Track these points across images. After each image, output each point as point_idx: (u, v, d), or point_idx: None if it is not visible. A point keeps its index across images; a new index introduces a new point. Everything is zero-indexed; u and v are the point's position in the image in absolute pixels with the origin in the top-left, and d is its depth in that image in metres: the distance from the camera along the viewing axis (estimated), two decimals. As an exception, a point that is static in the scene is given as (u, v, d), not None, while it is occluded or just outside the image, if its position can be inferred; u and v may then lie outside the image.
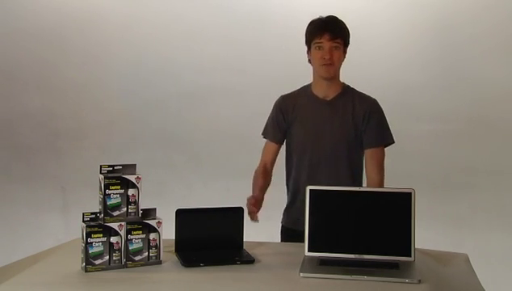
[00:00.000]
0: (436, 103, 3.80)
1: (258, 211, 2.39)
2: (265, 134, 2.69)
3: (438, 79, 3.80)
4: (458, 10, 3.74)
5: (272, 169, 2.67)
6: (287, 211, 2.69)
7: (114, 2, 4.13)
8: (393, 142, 2.60)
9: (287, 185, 2.68)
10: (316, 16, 2.54)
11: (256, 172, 2.64)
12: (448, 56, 3.78)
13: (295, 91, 2.65)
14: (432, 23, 3.78)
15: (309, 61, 2.57)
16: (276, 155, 2.67)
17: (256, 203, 2.39)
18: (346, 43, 2.52)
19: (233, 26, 3.97)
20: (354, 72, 3.57)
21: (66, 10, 4.16)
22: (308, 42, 2.53)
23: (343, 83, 2.59)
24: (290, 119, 2.60)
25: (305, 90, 2.61)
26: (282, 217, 2.72)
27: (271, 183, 2.66)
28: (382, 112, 2.59)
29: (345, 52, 2.53)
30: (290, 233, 2.61)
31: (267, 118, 2.69)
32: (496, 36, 3.72)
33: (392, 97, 3.75)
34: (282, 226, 2.71)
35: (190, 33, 4.04)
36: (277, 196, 2.66)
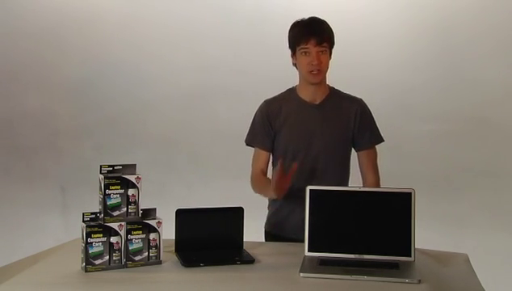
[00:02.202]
0: (436, 103, 3.80)
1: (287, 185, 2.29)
2: (251, 142, 2.59)
3: (438, 79, 3.80)
4: (458, 11, 3.74)
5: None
6: (272, 217, 2.61)
7: (114, 2, 4.13)
8: (383, 141, 2.59)
9: None
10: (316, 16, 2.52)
11: (255, 178, 2.56)
12: (448, 57, 3.78)
13: (279, 95, 2.58)
14: (432, 23, 3.78)
15: (294, 64, 2.50)
16: (268, 164, 2.58)
17: (282, 175, 2.27)
18: (331, 45, 2.46)
19: (233, 26, 3.96)
20: (355, 72, 3.60)
21: (66, 10, 4.16)
22: (293, 46, 2.46)
23: (329, 85, 2.56)
24: (277, 125, 2.52)
25: (291, 94, 2.55)
26: (265, 222, 2.64)
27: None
28: (370, 112, 2.57)
29: (331, 53, 2.47)
30: (275, 239, 2.55)
31: (251, 124, 2.60)
32: (495, 37, 3.72)
33: (392, 97, 3.77)
34: (265, 232, 2.64)
35: (190, 33, 4.04)
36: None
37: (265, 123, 2.55)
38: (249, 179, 2.60)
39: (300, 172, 2.46)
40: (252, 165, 2.60)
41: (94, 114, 4.20)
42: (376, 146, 2.59)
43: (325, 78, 2.51)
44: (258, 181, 2.55)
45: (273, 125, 2.54)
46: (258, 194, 2.57)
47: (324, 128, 2.50)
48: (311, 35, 2.40)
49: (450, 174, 3.80)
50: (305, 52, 2.41)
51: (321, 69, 2.43)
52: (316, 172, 2.49)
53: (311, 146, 2.49)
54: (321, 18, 2.49)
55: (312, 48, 2.40)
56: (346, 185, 2.54)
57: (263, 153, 2.58)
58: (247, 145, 2.62)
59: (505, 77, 3.72)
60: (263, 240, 2.60)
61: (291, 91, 2.56)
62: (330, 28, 2.47)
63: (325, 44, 2.41)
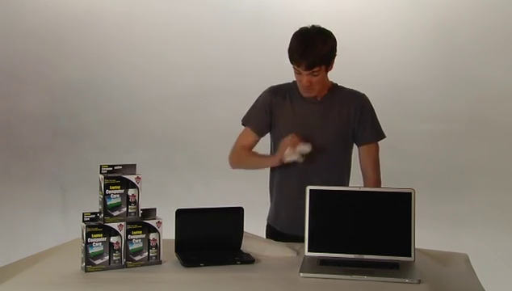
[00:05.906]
0: (436, 103, 3.80)
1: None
2: (246, 122, 2.58)
3: (439, 79, 3.80)
4: (458, 11, 3.74)
5: None
6: (271, 212, 2.65)
7: (114, 2, 4.13)
8: (385, 137, 2.58)
9: (271, 186, 2.62)
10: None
11: (239, 150, 2.55)
12: (448, 56, 3.78)
13: (285, 85, 2.56)
14: (433, 23, 3.78)
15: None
16: (253, 146, 2.57)
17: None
18: (327, 64, 2.40)
19: (233, 26, 3.96)
20: (355, 71, 3.59)
21: (66, 9, 4.15)
22: (289, 60, 2.42)
23: (331, 82, 2.55)
24: (277, 115, 2.52)
25: (295, 88, 2.52)
26: (267, 215, 2.67)
27: (266, 183, 2.65)
28: (372, 107, 2.55)
29: (328, 69, 2.43)
30: (272, 230, 2.60)
31: (251, 106, 2.59)
32: (496, 36, 3.72)
33: (392, 97, 3.77)
34: (266, 225, 2.67)
35: (190, 33, 4.03)
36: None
37: (266, 109, 2.54)
38: (229, 156, 2.59)
39: (299, 169, 2.46)
40: (236, 142, 2.59)
41: (94, 114, 4.19)
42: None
43: (324, 83, 2.48)
44: (244, 153, 2.55)
45: (273, 113, 2.53)
46: (236, 166, 2.58)
47: (325, 125, 2.49)
48: (302, 60, 2.36)
49: (450, 174, 3.80)
50: (297, 72, 2.41)
51: (312, 88, 2.42)
52: (318, 170, 2.46)
53: (312, 143, 2.46)
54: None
55: (302, 71, 2.38)
56: (346, 184, 2.54)
57: (253, 135, 2.57)
58: (243, 124, 2.61)
59: (505, 77, 3.72)
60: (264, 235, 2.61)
61: (295, 85, 2.52)
62: (328, 48, 2.39)
63: (316, 69, 2.37)
